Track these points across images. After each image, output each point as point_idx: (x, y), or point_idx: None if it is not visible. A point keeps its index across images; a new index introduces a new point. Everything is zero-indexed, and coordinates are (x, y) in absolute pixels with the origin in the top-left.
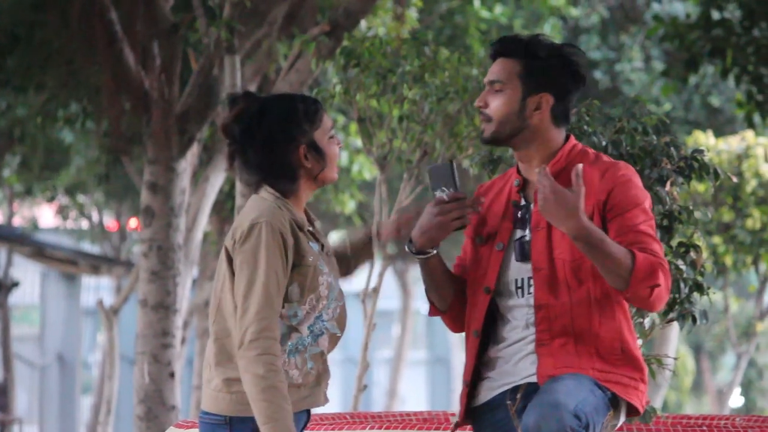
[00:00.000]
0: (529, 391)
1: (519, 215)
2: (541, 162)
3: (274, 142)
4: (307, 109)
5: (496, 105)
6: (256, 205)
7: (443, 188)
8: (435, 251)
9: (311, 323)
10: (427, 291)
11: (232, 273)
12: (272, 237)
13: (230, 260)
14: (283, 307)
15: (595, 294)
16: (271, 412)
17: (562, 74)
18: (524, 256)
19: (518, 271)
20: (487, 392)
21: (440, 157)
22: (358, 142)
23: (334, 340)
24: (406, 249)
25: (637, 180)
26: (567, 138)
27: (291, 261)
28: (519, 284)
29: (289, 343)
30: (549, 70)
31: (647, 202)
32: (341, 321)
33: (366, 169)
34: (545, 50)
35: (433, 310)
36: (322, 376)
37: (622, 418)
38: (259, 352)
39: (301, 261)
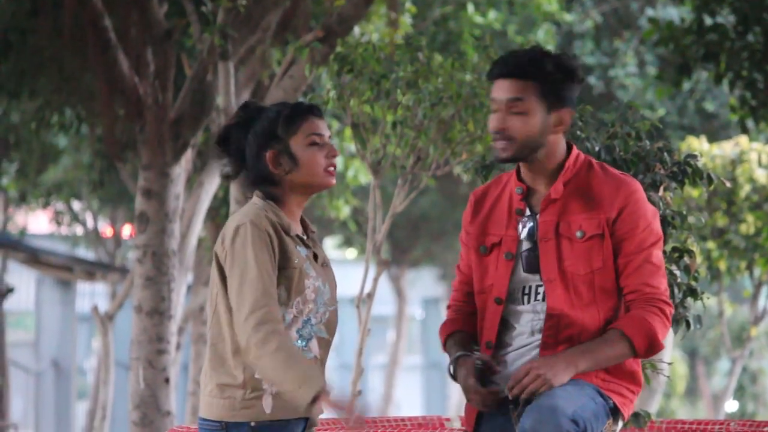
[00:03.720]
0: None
1: (524, 225)
2: (550, 172)
3: (248, 148)
4: (289, 116)
5: (518, 126)
6: (244, 209)
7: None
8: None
9: (299, 327)
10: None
11: (222, 278)
12: (258, 234)
13: (220, 267)
14: None
15: (604, 308)
16: (301, 374)
17: (575, 88)
18: (532, 268)
19: (526, 279)
20: None
21: (434, 163)
22: (353, 147)
23: (324, 344)
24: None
25: (645, 197)
26: (569, 146)
27: (277, 261)
28: (526, 291)
29: None
30: (567, 86)
31: (656, 221)
32: (330, 325)
33: (362, 174)
34: (561, 68)
35: None
36: None
37: (619, 428)
38: (267, 331)
39: (287, 264)
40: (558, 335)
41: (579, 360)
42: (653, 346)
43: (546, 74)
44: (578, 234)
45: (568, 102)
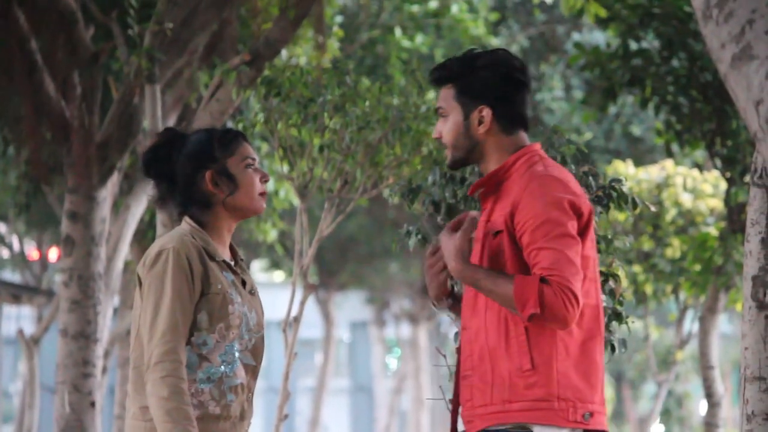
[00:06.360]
0: None
1: None
2: None
3: (181, 170)
4: (222, 138)
5: (445, 132)
6: (170, 233)
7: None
8: (451, 300)
9: (222, 352)
10: None
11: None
12: (178, 263)
13: (142, 287)
14: (192, 335)
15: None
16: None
17: (492, 82)
18: None
19: None
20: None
21: (361, 186)
22: (282, 168)
23: (251, 371)
24: (434, 308)
25: (547, 187)
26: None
27: (199, 288)
28: None
29: (200, 372)
30: (478, 82)
31: (553, 211)
32: (256, 352)
33: (292, 195)
34: (470, 66)
35: None
36: (246, 412)
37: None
38: (164, 374)
39: (209, 289)
40: (472, 353)
41: (460, 266)
42: (523, 301)
43: (458, 76)
44: (493, 233)
45: (483, 98)
